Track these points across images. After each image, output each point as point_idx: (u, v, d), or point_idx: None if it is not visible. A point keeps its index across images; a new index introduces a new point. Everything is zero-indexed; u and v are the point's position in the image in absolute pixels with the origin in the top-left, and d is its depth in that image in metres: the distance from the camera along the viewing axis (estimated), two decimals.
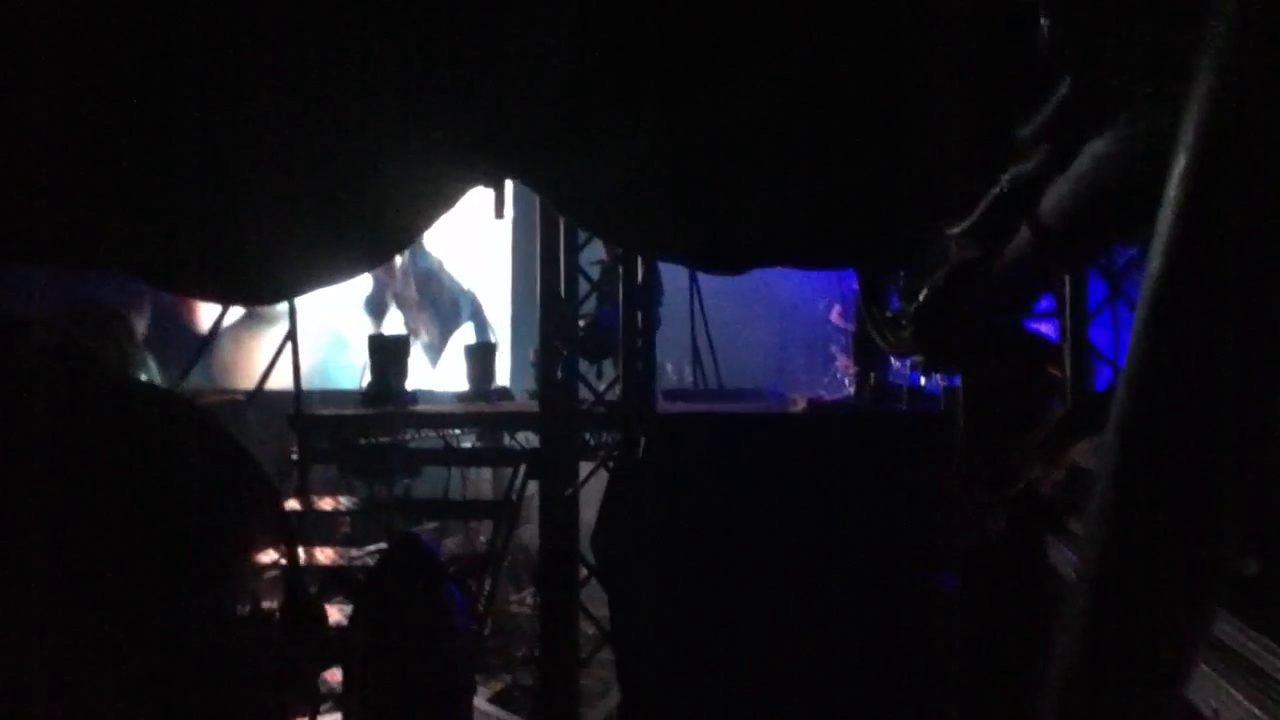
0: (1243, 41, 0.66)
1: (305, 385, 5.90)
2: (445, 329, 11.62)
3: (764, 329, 11.65)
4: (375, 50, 3.03)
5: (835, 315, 8.58)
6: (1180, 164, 0.70)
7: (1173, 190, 0.73)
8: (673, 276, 7.55)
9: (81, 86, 2.78)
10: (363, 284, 10.20)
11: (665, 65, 3.08)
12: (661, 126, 3.25)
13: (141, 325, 6.39)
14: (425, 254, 11.29)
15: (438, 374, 11.10)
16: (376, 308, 10.37)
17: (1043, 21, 1.23)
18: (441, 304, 11.59)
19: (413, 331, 10.60)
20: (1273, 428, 0.79)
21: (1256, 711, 1.61)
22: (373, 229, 3.45)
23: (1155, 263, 0.77)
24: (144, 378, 4.95)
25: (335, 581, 2.81)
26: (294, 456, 5.58)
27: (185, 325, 6.97)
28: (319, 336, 6.95)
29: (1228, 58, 0.67)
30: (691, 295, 8.53)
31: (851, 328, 7.43)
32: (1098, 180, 1.66)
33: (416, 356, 10.16)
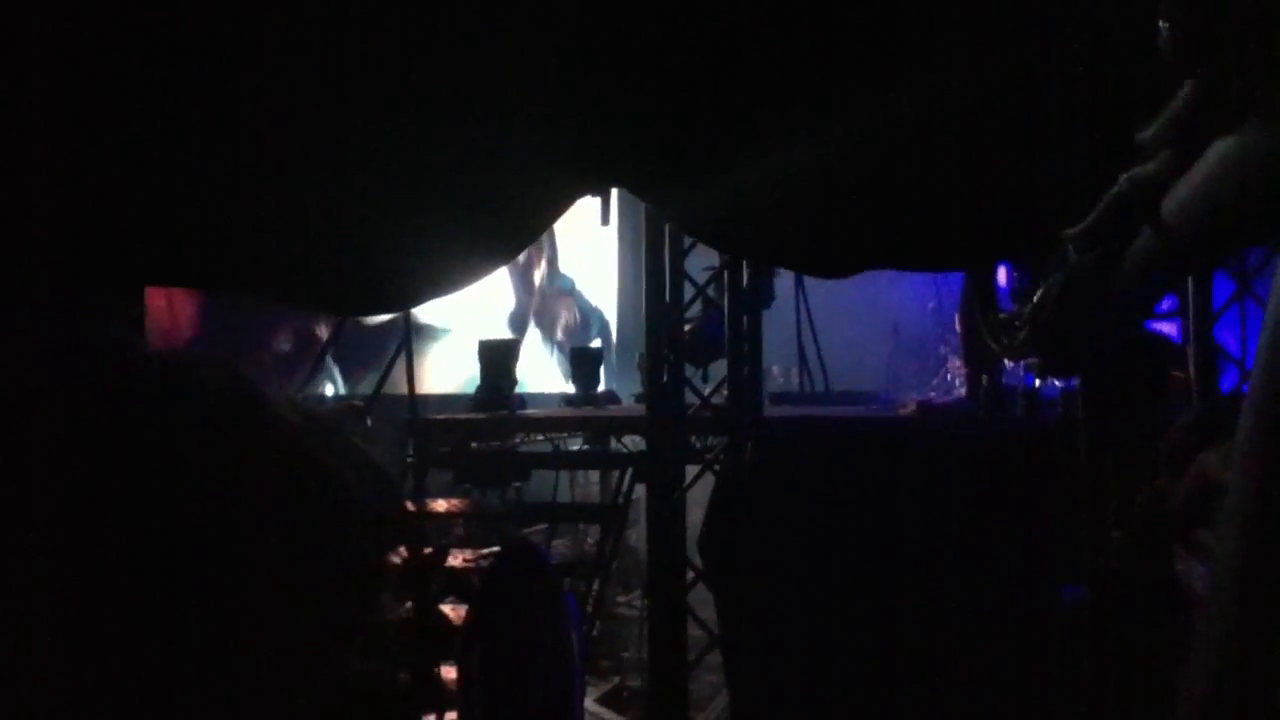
0: None
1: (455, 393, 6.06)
2: (577, 344, 12.20)
3: (871, 331, 11.48)
4: (494, 52, 3.10)
5: (957, 323, 8.40)
6: None
7: None
8: (780, 280, 7.52)
9: (197, 104, 2.90)
10: (508, 302, 10.63)
11: (775, 74, 3.08)
12: (770, 132, 3.25)
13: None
14: (561, 275, 12.15)
15: (548, 379, 11.33)
16: (519, 324, 10.91)
17: (1161, 24, 1.20)
18: (572, 321, 12.42)
19: (558, 345, 11.52)
20: None
21: None
22: (484, 236, 3.53)
23: None
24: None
25: (450, 584, 2.90)
26: (409, 460, 5.74)
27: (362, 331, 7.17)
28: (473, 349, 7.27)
29: None
30: (797, 298, 8.47)
31: (960, 329, 7.28)
32: (1223, 182, 1.61)
33: (535, 362, 10.51)
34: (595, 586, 5.47)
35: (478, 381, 6.98)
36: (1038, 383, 6.34)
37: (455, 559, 3.94)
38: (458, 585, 2.66)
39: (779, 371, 10.33)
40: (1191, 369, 4.66)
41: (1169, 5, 1.15)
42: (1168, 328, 5.16)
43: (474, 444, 6.14)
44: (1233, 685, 0.85)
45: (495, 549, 3.06)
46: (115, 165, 2.81)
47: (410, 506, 5.20)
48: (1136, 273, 2.79)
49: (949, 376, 9.12)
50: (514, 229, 3.60)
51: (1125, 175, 2.46)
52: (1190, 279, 4.66)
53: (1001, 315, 5.13)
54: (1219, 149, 1.66)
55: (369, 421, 5.80)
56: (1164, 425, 3.45)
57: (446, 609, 3.35)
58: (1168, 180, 2.10)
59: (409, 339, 5.94)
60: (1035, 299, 3.89)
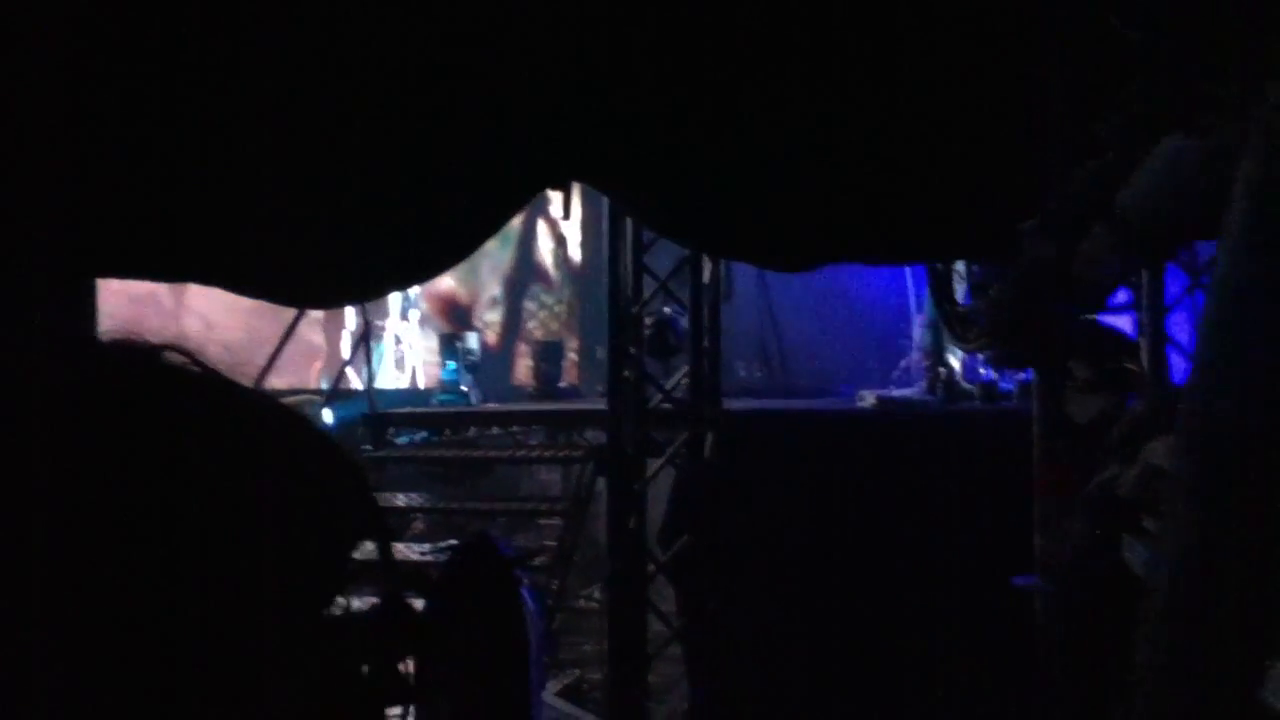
0: None
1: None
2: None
3: (833, 325, 11.53)
4: (452, 44, 3.07)
5: (913, 311, 8.47)
6: (1247, 168, 0.70)
7: (1240, 193, 0.73)
8: (741, 274, 7.54)
9: (141, 100, 2.85)
10: None
11: (736, 69, 3.08)
12: (731, 127, 3.25)
13: None
14: None
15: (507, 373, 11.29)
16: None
17: (1115, 22, 1.21)
18: None
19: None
20: None
21: None
22: (439, 232, 3.50)
23: (1223, 264, 0.77)
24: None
25: (408, 578, 2.87)
26: (367, 454, 5.70)
27: None
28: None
29: None
30: (759, 291, 8.50)
31: (922, 323, 7.34)
32: (1173, 179, 1.63)
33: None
34: (556, 580, 5.47)
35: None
36: (995, 375, 6.41)
37: (413, 553, 3.92)
38: (415, 580, 2.64)
39: (741, 365, 10.35)
40: (1145, 360, 4.73)
41: (1124, 3, 1.16)
42: (1122, 321, 5.24)
43: (435, 438, 6.11)
44: (1168, 671, 0.87)
45: (453, 543, 3.04)
46: (61, 153, 2.76)
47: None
48: (1090, 266, 2.83)
49: (908, 369, 9.19)
50: (475, 222, 3.57)
51: (1080, 170, 2.49)
52: (1144, 273, 4.72)
53: (961, 308, 5.18)
54: (1169, 146, 1.68)
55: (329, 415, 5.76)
56: (1116, 416, 3.50)
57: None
58: (1121, 175, 2.12)
59: (368, 333, 5.90)
60: (992, 292, 3.94)
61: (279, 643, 0.62)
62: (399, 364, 9.59)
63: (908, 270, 7.62)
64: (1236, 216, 0.69)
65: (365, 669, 0.71)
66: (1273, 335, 0.75)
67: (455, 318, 10.69)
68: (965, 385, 6.61)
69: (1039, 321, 3.53)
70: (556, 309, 12.49)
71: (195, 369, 0.65)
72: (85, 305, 3.56)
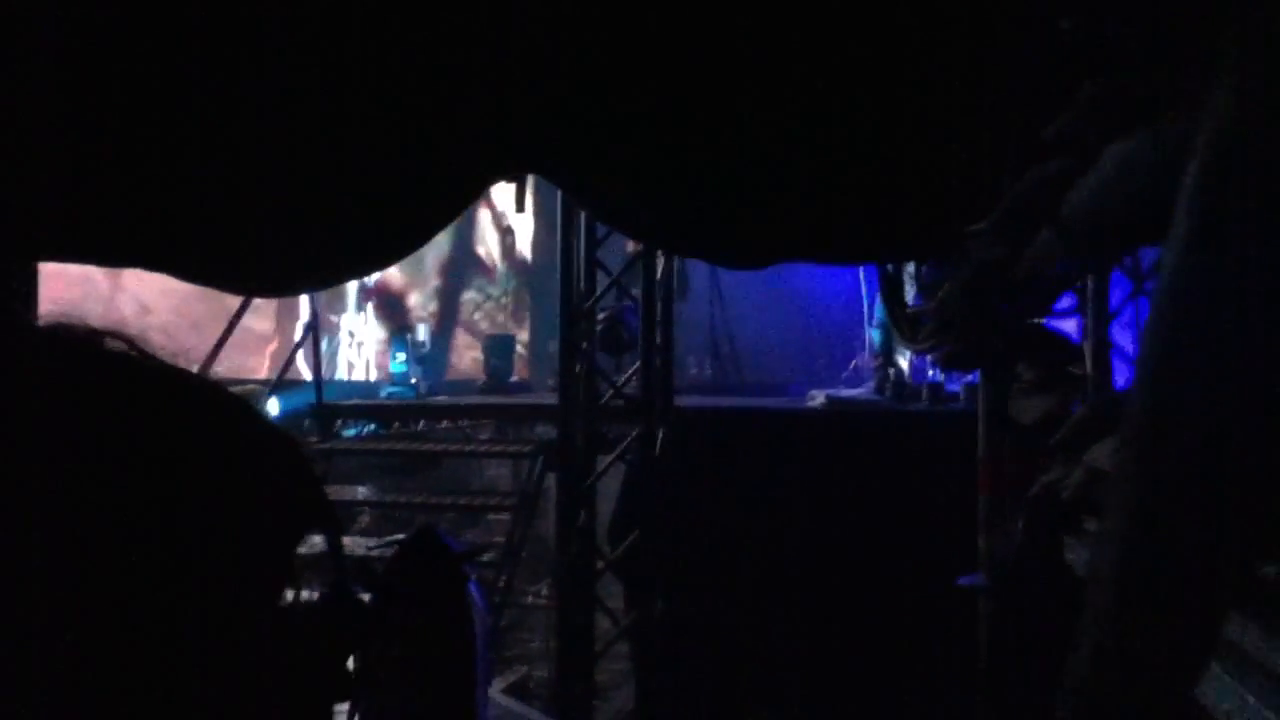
0: (1256, 51, 0.66)
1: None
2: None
3: (785, 324, 11.62)
4: (389, 41, 3.03)
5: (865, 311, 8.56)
6: (1193, 172, 0.70)
7: (1185, 197, 0.73)
8: (694, 271, 7.56)
9: (85, 82, 2.79)
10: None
11: (684, 63, 3.08)
12: (685, 123, 3.25)
13: None
14: None
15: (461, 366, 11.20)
16: None
17: (1063, 24, 1.22)
18: None
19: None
20: None
21: (1270, 716, 1.60)
22: (390, 223, 3.46)
23: (1168, 267, 0.78)
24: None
25: (355, 572, 2.84)
26: (314, 446, 5.63)
27: None
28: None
29: (1242, 70, 0.67)
30: (711, 289, 8.53)
31: (872, 324, 7.41)
32: (1119, 184, 1.65)
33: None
34: (504, 576, 5.43)
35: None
36: (942, 376, 6.50)
37: (359, 548, 3.87)
38: (362, 574, 2.60)
39: (694, 362, 10.39)
40: (1089, 365, 4.81)
41: (1069, 8, 1.17)
42: (1067, 325, 5.32)
43: (383, 430, 6.05)
44: (1103, 670, 0.88)
45: (399, 537, 3.01)
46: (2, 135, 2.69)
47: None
48: (1036, 269, 2.87)
49: (858, 369, 9.27)
50: (428, 213, 3.53)
51: (1027, 174, 2.52)
52: (1089, 278, 4.80)
53: (910, 309, 5.23)
54: (1114, 152, 1.70)
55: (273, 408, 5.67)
56: (1060, 418, 3.55)
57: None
58: (1067, 180, 2.15)
59: (316, 323, 5.82)
60: (940, 294, 3.98)
61: (223, 635, 0.61)
62: (351, 359, 9.51)
63: (860, 271, 7.69)
64: (1183, 215, 0.70)
65: (311, 662, 0.70)
66: (1214, 336, 0.75)
67: (389, 307, 10.57)
68: (913, 386, 6.69)
69: (985, 324, 3.57)
70: (502, 300, 12.43)
71: (135, 355, 0.63)
72: (27, 289, 3.48)
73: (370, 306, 10.04)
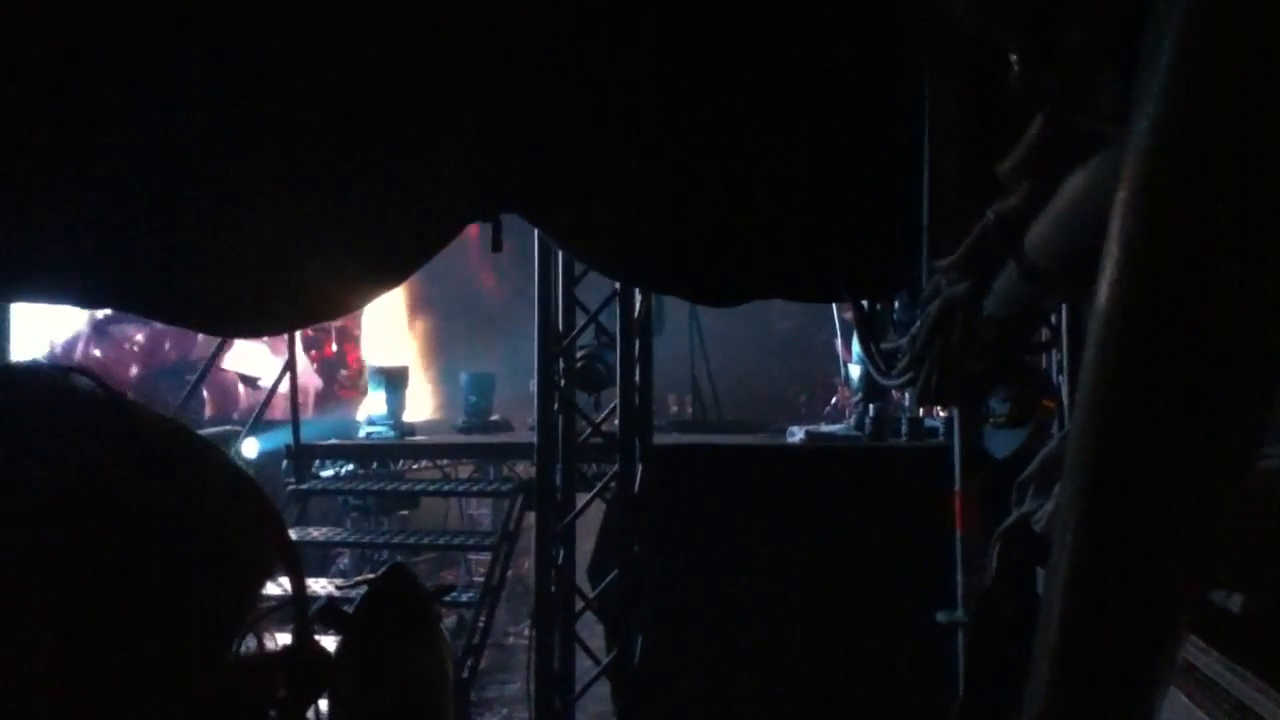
0: (1176, 79, 0.67)
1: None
2: None
3: (765, 361, 11.65)
4: (371, 78, 3.05)
5: (840, 348, 8.59)
6: (1121, 200, 0.72)
7: (1115, 228, 0.75)
8: (673, 309, 7.57)
9: (70, 114, 2.79)
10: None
11: (667, 106, 3.12)
12: (662, 163, 3.28)
13: None
14: None
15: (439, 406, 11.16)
16: None
17: (1012, 59, 1.24)
18: None
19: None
20: (1239, 461, 0.79)
21: None
22: (371, 260, 3.47)
23: (1101, 300, 0.79)
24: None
25: (324, 614, 2.81)
26: (290, 487, 5.58)
27: None
28: None
29: (1162, 98, 0.68)
30: (691, 327, 8.55)
31: (851, 360, 7.44)
32: (1075, 217, 1.67)
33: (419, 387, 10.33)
34: (483, 617, 5.39)
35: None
36: (921, 413, 6.51)
37: (332, 588, 3.83)
38: (330, 615, 2.57)
39: (673, 399, 10.38)
40: (1065, 398, 4.82)
41: (1015, 38, 1.19)
42: (1041, 359, 5.34)
43: (361, 470, 6.01)
44: (1056, 705, 0.88)
45: (369, 576, 2.98)
46: None
47: (292, 534, 5.04)
48: (1004, 304, 2.89)
49: (839, 405, 9.30)
50: (403, 254, 3.53)
51: (991, 210, 2.54)
52: (1063, 312, 4.83)
53: (885, 345, 5.25)
54: (1072, 183, 1.72)
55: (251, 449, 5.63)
56: (1034, 452, 3.56)
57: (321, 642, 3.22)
58: (1029, 214, 2.17)
59: (293, 362, 5.80)
60: (912, 330, 3.99)
61: (181, 682, 0.60)
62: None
63: (834, 308, 7.73)
64: (1113, 250, 0.71)
65: (272, 712, 0.69)
66: (1149, 366, 0.76)
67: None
68: (893, 421, 6.70)
69: (956, 359, 3.58)
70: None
71: (101, 393, 0.63)
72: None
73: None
